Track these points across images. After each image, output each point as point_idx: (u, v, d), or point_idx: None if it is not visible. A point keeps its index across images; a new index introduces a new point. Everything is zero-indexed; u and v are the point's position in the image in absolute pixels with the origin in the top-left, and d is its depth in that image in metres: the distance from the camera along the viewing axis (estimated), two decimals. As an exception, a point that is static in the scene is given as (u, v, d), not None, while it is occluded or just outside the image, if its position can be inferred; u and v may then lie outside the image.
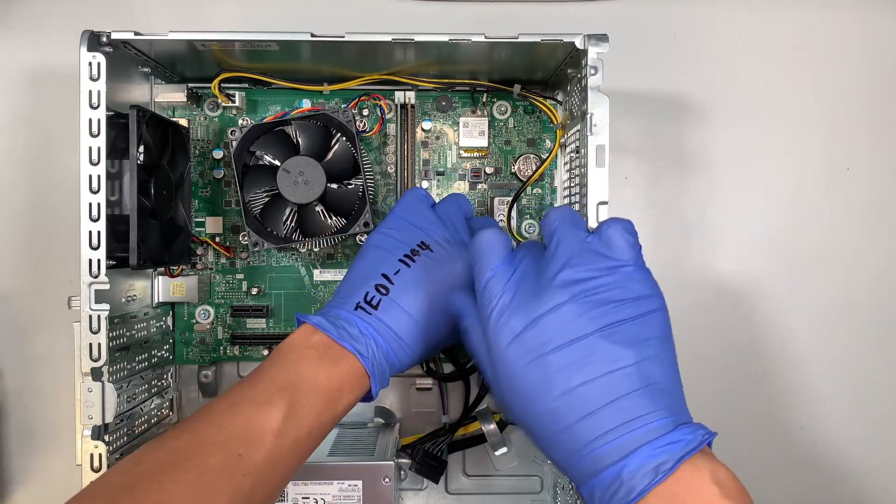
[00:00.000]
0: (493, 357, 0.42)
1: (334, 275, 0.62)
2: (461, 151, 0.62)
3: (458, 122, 0.62)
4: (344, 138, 0.57)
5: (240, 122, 0.61)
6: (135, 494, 0.37)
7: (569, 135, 0.58)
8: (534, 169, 0.61)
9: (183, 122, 0.61)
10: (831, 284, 0.65)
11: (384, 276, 0.48)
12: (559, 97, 0.60)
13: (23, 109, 0.64)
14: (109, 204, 0.49)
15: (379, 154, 0.62)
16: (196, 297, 0.62)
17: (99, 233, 0.48)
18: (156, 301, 0.61)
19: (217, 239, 0.62)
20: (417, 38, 0.50)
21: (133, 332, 0.55)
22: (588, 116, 0.49)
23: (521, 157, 0.62)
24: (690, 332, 0.63)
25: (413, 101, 0.62)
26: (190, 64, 0.58)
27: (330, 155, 0.57)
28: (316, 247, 0.60)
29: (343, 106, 0.59)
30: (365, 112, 0.62)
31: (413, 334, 0.48)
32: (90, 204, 0.48)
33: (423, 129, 0.62)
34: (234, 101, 0.60)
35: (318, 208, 0.57)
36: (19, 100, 0.64)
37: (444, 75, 0.60)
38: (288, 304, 0.62)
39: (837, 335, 0.66)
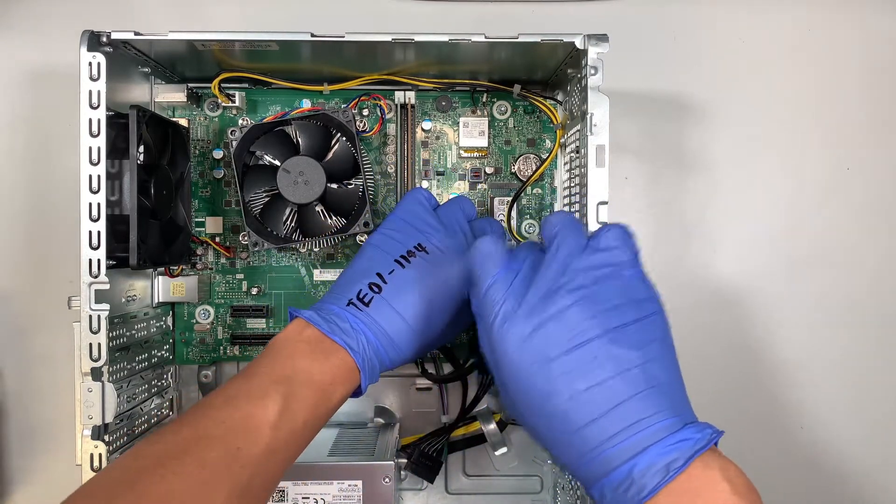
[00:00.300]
0: (498, 363, 0.42)
1: (334, 275, 0.62)
2: (461, 151, 0.62)
3: (458, 122, 0.62)
4: (344, 138, 0.57)
5: (240, 122, 0.61)
6: (135, 489, 0.37)
7: (569, 135, 0.58)
8: (534, 169, 0.61)
9: (183, 122, 0.61)
10: (831, 284, 0.65)
11: (378, 275, 0.49)
12: (559, 97, 0.60)
13: (23, 109, 0.64)
14: (109, 204, 0.49)
15: (379, 154, 0.62)
16: (196, 297, 0.62)
17: (99, 233, 0.48)
18: (156, 301, 0.61)
19: (217, 239, 0.62)
20: (417, 38, 0.50)
21: (133, 332, 0.55)
22: (588, 116, 0.49)
23: (521, 157, 0.62)
24: (690, 332, 0.63)
25: (413, 101, 0.62)
26: (190, 64, 0.58)
27: (330, 155, 0.57)
28: (316, 247, 0.60)
29: (343, 106, 0.59)
30: (365, 112, 0.62)
31: (403, 334, 0.48)
32: (90, 204, 0.48)
33: (423, 129, 0.62)
34: (234, 101, 0.60)
35: (318, 208, 0.57)
36: (19, 100, 0.64)
37: (444, 75, 0.60)
38: (288, 303, 0.62)
39: (837, 335, 0.66)
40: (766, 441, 0.65)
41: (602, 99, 0.49)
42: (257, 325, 0.62)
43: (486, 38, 0.50)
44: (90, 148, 0.48)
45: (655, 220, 0.65)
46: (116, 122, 0.51)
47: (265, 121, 0.57)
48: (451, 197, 0.61)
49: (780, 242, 0.65)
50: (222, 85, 0.59)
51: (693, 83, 0.65)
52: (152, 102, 0.61)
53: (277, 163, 0.56)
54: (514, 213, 0.61)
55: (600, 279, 0.41)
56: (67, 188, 0.62)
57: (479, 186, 0.63)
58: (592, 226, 0.49)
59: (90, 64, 0.48)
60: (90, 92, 0.48)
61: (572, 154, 0.57)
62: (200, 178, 0.62)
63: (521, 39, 0.50)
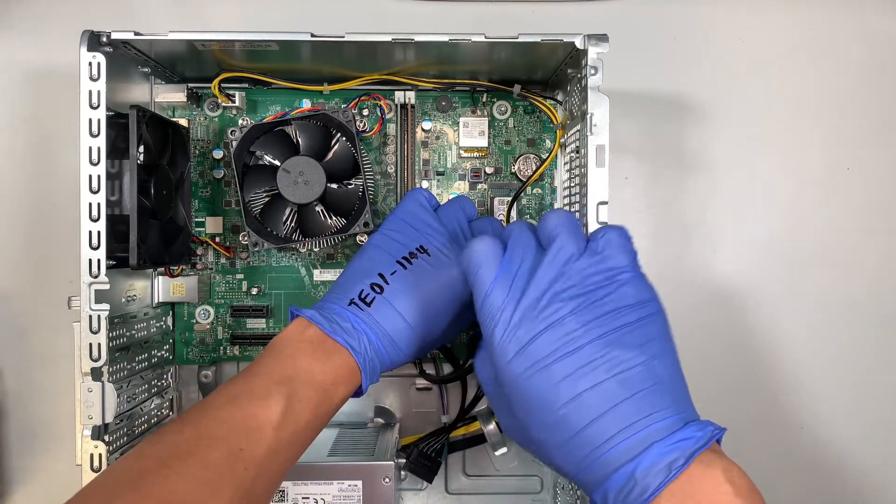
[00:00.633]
0: (499, 370, 0.41)
1: (334, 275, 0.62)
2: (461, 151, 0.62)
3: (458, 122, 0.62)
4: (344, 138, 0.57)
5: (240, 122, 0.60)
6: (139, 489, 0.37)
7: (569, 135, 0.58)
8: (534, 169, 0.61)
9: (183, 122, 0.61)
10: (831, 284, 0.65)
11: (380, 275, 0.49)
12: (559, 97, 0.60)
13: (23, 109, 0.64)
14: (109, 204, 0.49)
15: (379, 154, 0.62)
16: (196, 297, 0.62)
17: (99, 233, 0.48)
18: (156, 301, 0.61)
19: (217, 239, 0.62)
20: (417, 38, 0.50)
21: (133, 332, 0.55)
22: (588, 116, 0.49)
23: (521, 157, 0.62)
24: (690, 332, 0.63)
25: (413, 101, 0.62)
26: (190, 64, 0.58)
27: (330, 155, 0.57)
28: (316, 247, 0.60)
29: (343, 106, 0.59)
30: (365, 112, 0.62)
31: (404, 334, 0.48)
32: (90, 204, 0.48)
33: (423, 129, 0.62)
34: (234, 101, 0.60)
35: (318, 208, 0.57)
36: (19, 100, 0.64)
37: (444, 75, 0.60)
38: (288, 304, 0.62)
39: (837, 335, 0.66)
40: (766, 441, 0.65)
41: (602, 99, 0.49)
42: (257, 325, 0.62)
43: (486, 38, 0.50)
44: (90, 148, 0.48)
45: (655, 220, 0.65)
46: (116, 122, 0.51)
47: (265, 121, 0.57)
48: (451, 197, 0.61)
49: (780, 242, 0.65)
50: (222, 85, 0.59)
51: (693, 83, 0.65)
52: (152, 102, 0.61)
53: (277, 163, 0.56)
54: (514, 213, 0.61)
55: (599, 284, 0.41)
56: (67, 188, 0.62)
57: (479, 186, 0.63)
58: (592, 226, 0.49)
59: (90, 64, 0.48)
60: (90, 92, 0.48)
61: (572, 154, 0.57)
62: (200, 178, 0.62)
63: (521, 39, 0.50)
